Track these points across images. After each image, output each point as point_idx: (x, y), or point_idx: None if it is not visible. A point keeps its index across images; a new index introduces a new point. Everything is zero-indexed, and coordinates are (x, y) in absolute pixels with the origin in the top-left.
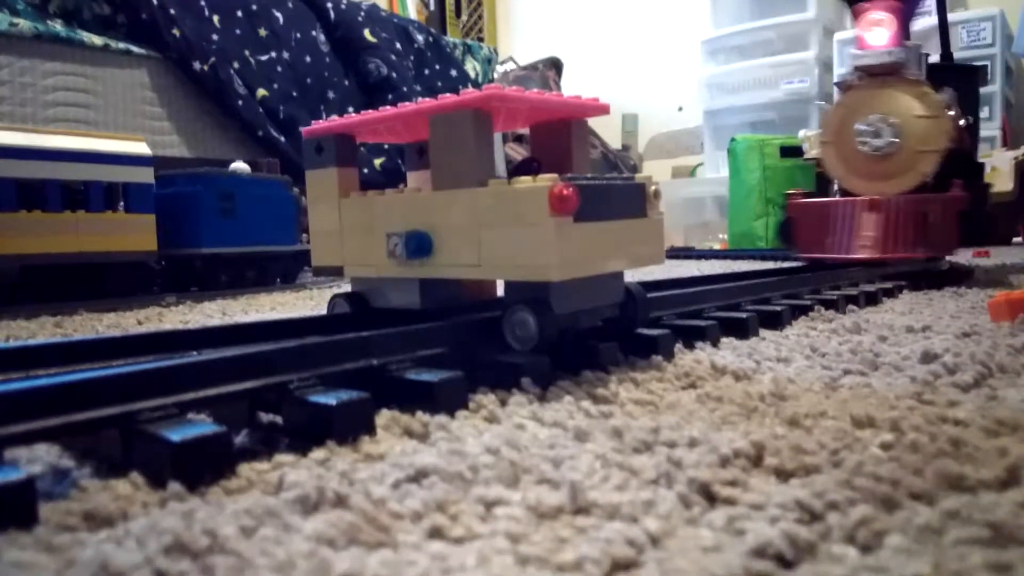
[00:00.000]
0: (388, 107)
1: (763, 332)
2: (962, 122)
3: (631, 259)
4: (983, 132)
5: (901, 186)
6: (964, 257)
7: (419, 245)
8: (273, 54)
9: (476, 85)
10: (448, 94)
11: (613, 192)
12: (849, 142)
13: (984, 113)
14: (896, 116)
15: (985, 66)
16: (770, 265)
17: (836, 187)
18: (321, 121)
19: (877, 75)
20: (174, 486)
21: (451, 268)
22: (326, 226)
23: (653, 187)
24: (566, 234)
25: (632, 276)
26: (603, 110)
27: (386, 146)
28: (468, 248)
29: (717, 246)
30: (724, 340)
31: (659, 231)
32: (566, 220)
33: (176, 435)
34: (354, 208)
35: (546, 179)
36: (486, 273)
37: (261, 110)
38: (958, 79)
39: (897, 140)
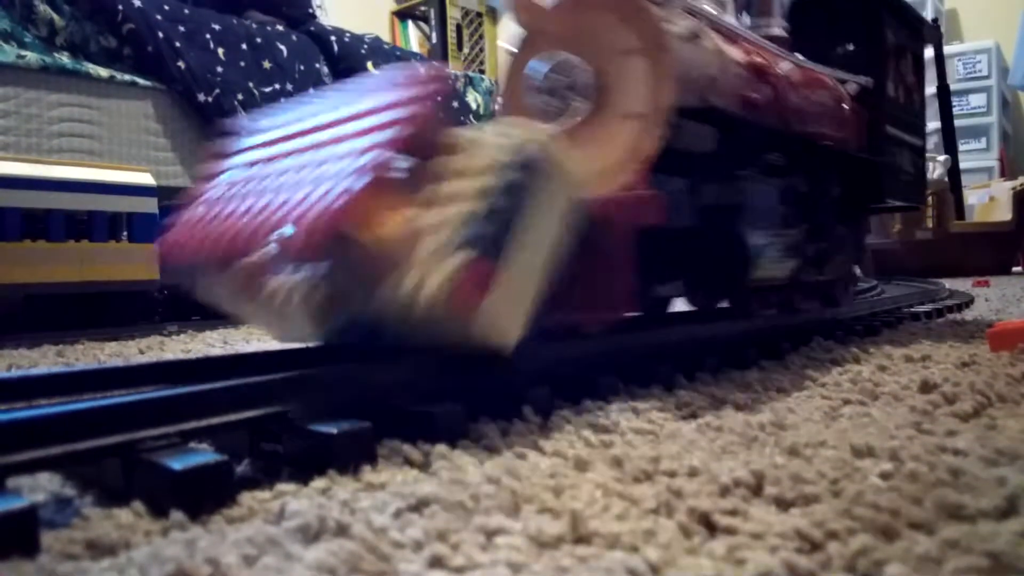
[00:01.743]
0: None
1: (762, 362)
2: (854, 85)
3: None
4: (979, 162)
5: (599, 184)
6: (963, 285)
7: None
8: (277, 86)
9: (478, 116)
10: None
11: None
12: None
13: (981, 143)
14: (589, 55)
15: None
16: None
17: None
18: None
19: None
20: (176, 515)
21: None
22: None
23: None
24: None
25: None
26: None
27: None
28: None
29: None
30: (724, 370)
31: None
32: None
33: (178, 464)
34: None
35: None
36: None
37: None
38: (846, 15)
39: (586, 98)
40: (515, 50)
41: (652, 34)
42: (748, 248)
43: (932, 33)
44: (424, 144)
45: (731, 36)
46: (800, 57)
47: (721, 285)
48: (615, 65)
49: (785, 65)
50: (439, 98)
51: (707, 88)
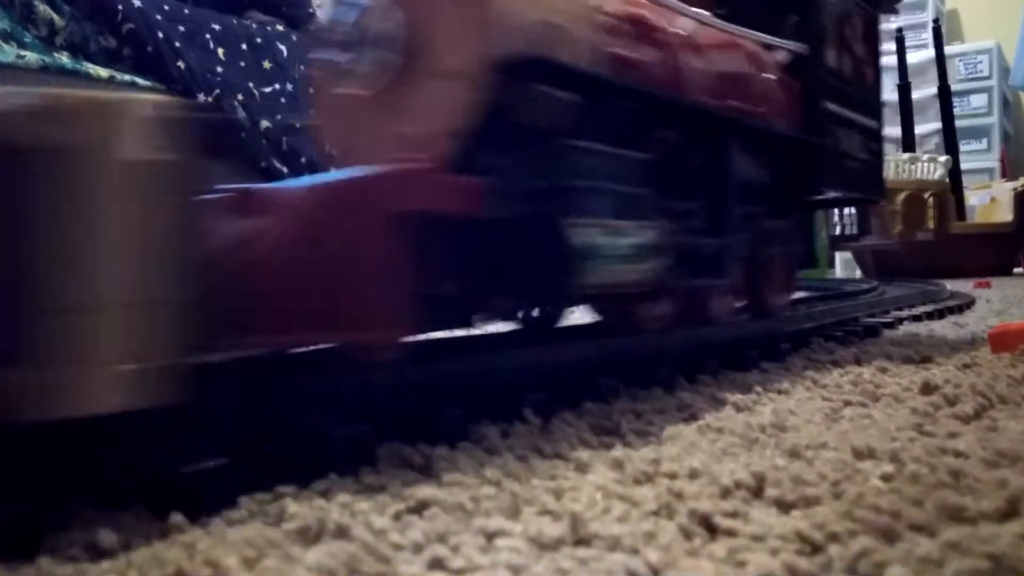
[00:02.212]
0: None
1: (763, 364)
2: (784, 53)
3: None
4: (980, 163)
5: (401, 159)
6: (964, 287)
7: None
8: (276, 86)
9: None
10: None
11: None
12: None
13: (982, 144)
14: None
15: None
16: None
17: None
18: None
19: None
20: (176, 517)
21: None
22: None
23: None
24: None
25: None
26: None
27: None
28: None
29: None
30: (724, 372)
31: None
32: None
33: (178, 466)
34: None
35: None
36: None
37: (264, 141)
38: None
39: (393, 53)
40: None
41: None
42: (570, 243)
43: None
44: None
45: None
46: (707, 15)
47: (542, 293)
48: (427, 9)
49: (685, 23)
50: None
51: (551, 40)
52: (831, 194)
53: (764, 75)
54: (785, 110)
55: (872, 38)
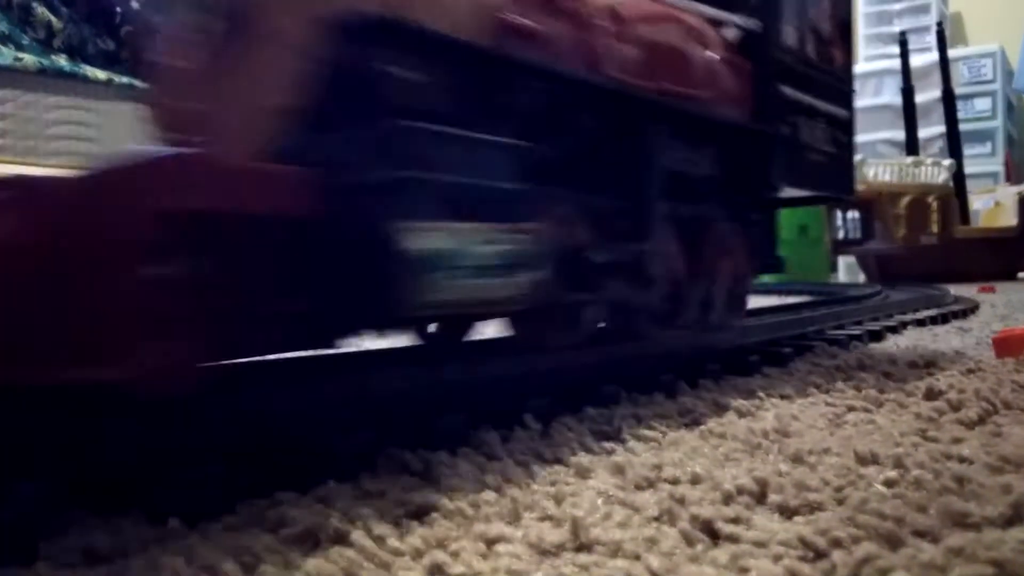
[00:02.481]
0: None
1: (766, 369)
2: (733, 30)
3: None
4: (984, 167)
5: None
6: (969, 291)
7: None
8: None
9: None
10: None
11: None
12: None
13: (986, 148)
14: None
15: None
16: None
17: None
18: None
19: None
20: (174, 523)
21: None
22: None
23: None
24: None
25: None
26: None
27: None
28: None
29: None
30: (727, 377)
31: None
32: None
33: (175, 472)
34: None
35: None
36: None
37: None
38: None
39: (212, 18)
40: None
41: None
42: (403, 250)
43: None
44: None
45: None
46: None
47: (369, 311)
48: None
49: None
50: None
51: (413, 1)
52: (790, 191)
53: (706, 53)
54: (734, 95)
55: (839, 15)
